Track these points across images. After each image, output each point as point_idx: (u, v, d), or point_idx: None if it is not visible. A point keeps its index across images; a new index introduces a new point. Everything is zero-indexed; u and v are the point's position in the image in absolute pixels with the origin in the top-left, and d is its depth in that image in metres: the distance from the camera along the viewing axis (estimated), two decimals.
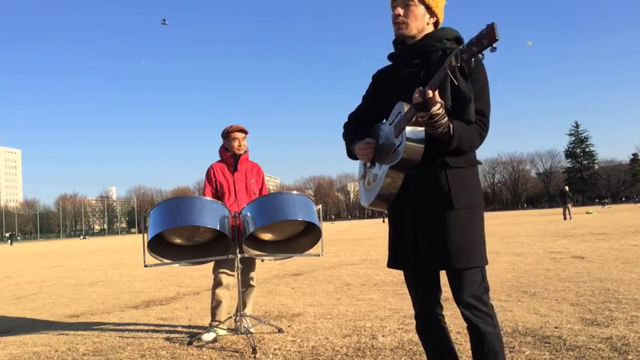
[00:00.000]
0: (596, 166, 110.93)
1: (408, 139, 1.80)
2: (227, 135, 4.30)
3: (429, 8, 1.96)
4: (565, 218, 24.76)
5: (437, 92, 1.67)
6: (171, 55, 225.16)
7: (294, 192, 3.92)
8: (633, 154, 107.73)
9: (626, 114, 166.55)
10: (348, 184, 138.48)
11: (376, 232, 25.40)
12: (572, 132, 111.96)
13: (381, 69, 2.17)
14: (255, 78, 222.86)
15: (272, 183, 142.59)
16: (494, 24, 1.48)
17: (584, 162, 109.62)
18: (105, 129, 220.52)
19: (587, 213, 34.31)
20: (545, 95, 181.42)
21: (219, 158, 4.39)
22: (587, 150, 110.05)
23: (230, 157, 4.29)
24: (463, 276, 1.85)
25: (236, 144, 4.25)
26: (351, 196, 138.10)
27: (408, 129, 1.81)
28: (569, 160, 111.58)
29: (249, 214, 3.71)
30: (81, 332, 4.44)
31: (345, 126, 2.26)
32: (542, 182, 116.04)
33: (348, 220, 78.05)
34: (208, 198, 3.82)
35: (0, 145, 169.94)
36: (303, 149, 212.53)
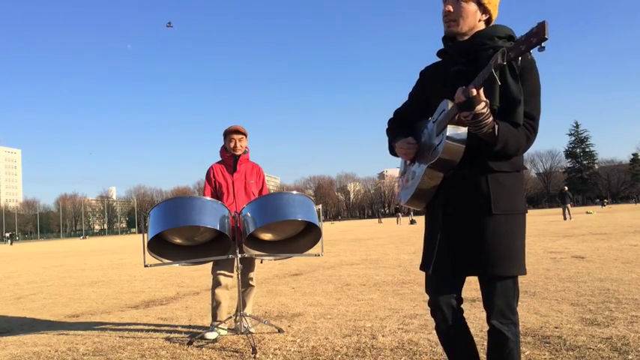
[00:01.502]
0: (596, 166, 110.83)
1: (448, 137, 1.74)
2: (226, 135, 4.31)
3: (481, 5, 1.88)
4: (565, 218, 24.77)
5: (481, 91, 1.62)
6: (172, 55, 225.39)
7: (294, 192, 3.92)
8: (633, 154, 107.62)
9: (626, 114, 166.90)
10: (348, 184, 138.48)
11: (376, 232, 25.40)
12: (572, 132, 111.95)
13: (429, 65, 2.11)
14: (256, 78, 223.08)
15: (272, 183, 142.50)
16: (544, 22, 1.42)
17: (584, 162, 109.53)
18: (105, 129, 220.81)
19: (587, 213, 34.31)
20: (545, 95, 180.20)
21: (219, 158, 4.40)
22: (587, 150, 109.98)
23: (230, 158, 4.29)
24: (496, 284, 1.80)
25: (232, 145, 4.25)
26: (351, 196, 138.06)
27: (450, 128, 1.75)
28: (569, 160, 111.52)
29: (249, 214, 3.71)
30: (81, 332, 4.44)
31: (390, 122, 2.20)
32: (542, 182, 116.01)
33: (338, 220, 77.17)
34: (208, 198, 3.82)
35: (0, 145, 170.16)
36: (303, 149, 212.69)
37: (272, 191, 4.66)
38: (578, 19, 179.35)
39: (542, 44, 1.43)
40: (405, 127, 2.10)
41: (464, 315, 1.98)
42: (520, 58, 1.58)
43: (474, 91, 1.60)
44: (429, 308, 1.99)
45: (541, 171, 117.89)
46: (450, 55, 1.98)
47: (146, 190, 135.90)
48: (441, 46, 2.04)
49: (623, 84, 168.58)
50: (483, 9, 1.90)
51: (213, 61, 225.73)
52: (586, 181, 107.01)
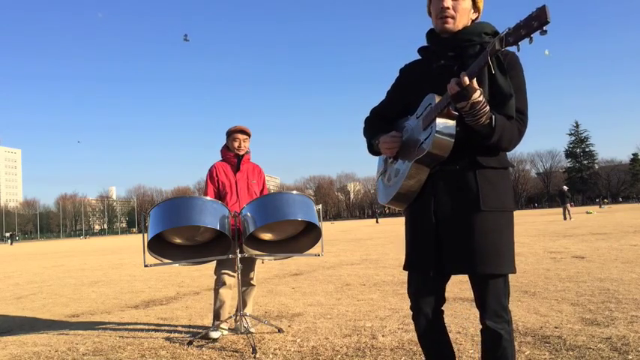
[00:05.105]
0: (596, 166, 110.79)
1: (437, 131, 1.68)
2: (229, 134, 4.32)
3: (474, 3, 1.89)
4: (565, 218, 24.77)
5: (474, 80, 1.59)
6: (172, 56, 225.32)
7: (294, 192, 3.93)
8: (633, 154, 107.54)
9: (626, 114, 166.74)
10: (348, 184, 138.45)
11: (376, 232, 25.40)
12: (572, 132, 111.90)
13: (410, 63, 2.08)
14: (256, 80, 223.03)
15: (272, 183, 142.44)
16: (545, 6, 1.37)
17: (584, 162, 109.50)
18: (105, 129, 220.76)
19: (587, 213, 34.31)
20: (545, 95, 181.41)
21: (220, 158, 4.39)
22: (587, 150, 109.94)
23: (233, 157, 4.30)
24: (488, 282, 1.77)
25: (236, 144, 4.27)
26: (351, 196, 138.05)
27: (439, 121, 1.69)
28: (569, 160, 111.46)
29: (249, 213, 3.71)
30: (81, 332, 4.44)
31: (367, 121, 2.15)
32: (542, 182, 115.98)
33: (331, 223, 76.62)
34: (208, 198, 3.82)
35: (0, 145, 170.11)
36: (303, 149, 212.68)
37: (272, 191, 4.66)
38: (578, 20, 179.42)
39: (544, 28, 1.37)
40: (384, 125, 2.07)
41: (443, 316, 1.98)
42: (503, 55, 1.63)
43: (467, 80, 1.57)
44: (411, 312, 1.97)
45: (541, 171, 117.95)
46: (432, 52, 1.95)
47: (146, 190, 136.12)
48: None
49: (623, 84, 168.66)
50: (476, 7, 1.91)
51: (213, 61, 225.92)
52: (586, 181, 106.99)
